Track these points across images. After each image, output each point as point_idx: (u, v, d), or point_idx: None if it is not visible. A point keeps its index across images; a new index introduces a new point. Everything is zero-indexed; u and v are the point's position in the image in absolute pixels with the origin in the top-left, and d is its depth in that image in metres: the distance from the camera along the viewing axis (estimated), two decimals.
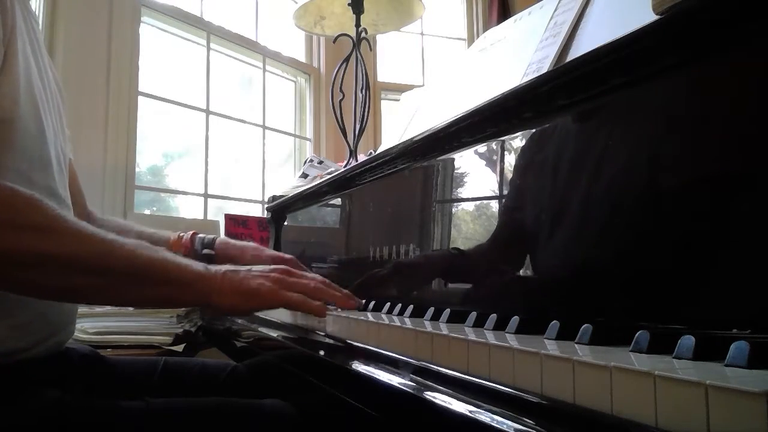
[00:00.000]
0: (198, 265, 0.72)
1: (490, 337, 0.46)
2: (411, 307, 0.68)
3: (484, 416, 0.36)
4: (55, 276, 0.64)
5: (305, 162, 1.98)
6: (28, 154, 0.71)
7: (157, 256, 0.70)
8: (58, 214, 0.64)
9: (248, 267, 0.76)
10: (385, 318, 0.65)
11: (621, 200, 0.51)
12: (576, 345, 0.40)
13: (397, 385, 0.46)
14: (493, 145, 0.69)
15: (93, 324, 1.34)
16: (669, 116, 0.48)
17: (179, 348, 1.33)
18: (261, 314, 0.97)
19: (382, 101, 3.08)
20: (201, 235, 1.08)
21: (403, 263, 0.84)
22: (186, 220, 2.17)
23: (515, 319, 0.49)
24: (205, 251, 1.05)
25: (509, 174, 0.66)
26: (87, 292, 0.68)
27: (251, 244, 1.11)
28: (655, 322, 0.43)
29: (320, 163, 1.91)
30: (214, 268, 0.73)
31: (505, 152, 0.67)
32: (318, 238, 1.32)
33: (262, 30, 2.71)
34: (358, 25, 1.71)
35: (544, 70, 0.71)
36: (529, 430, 0.32)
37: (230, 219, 2.01)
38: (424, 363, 0.47)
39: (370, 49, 1.83)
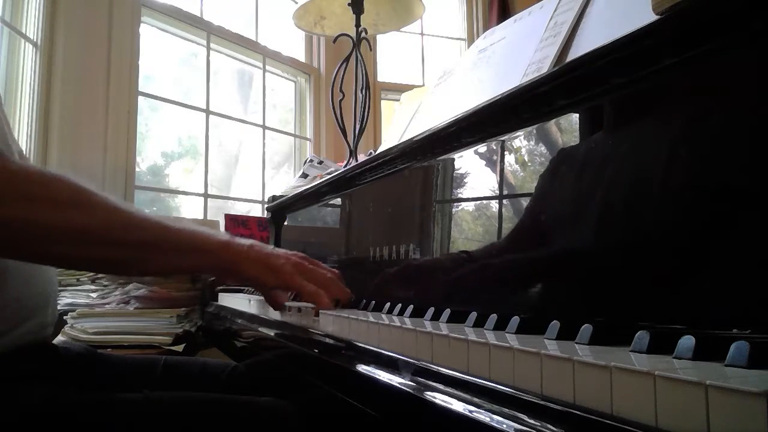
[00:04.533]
0: (223, 235, 0.77)
1: (490, 337, 0.45)
2: (411, 307, 0.68)
3: (484, 416, 0.36)
4: (90, 248, 0.66)
5: (305, 162, 1.98)
6: None
7: (184, 226, 0.73)
8: (86, 188, 0.66)
9: (271, 247, 0.80)
10: (385, 318, 0.65)
11: (620, 200, 0.51)
12: (576, 345, 0.40)
13: (397, 385, 0.46)
14: (493, 145, 0.69)
15: (93, 324, 1.34)
16: (669, 116, 0.48)
17: (179, 348, 1.33)
18: (261, 314, 0.97)
19: (382, 101, 3.08)
20: None
21: (406, 264, 0.84)
22: (186, 220, 2.16)
23: (515, 319, 0.49)
24: None
25: (509, 174, 0.66)
26: (118, 263, 0.71)
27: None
28: (655, 322, 0.43)
29: (320, 163, 1.91)
30: (239, 239, 0.77)
31: (505, 152, 0.67)
32: (318, 238, 1.32)
33: (262, 30, 2.71)
34: (358, 25, 1.71)
35: (544, 70, 0.71)
36: (529, 430, 0.32)
37: (230, 219, 2.01)
38: (424, 363, 0.47)
39: (370, 49, 1.83)
